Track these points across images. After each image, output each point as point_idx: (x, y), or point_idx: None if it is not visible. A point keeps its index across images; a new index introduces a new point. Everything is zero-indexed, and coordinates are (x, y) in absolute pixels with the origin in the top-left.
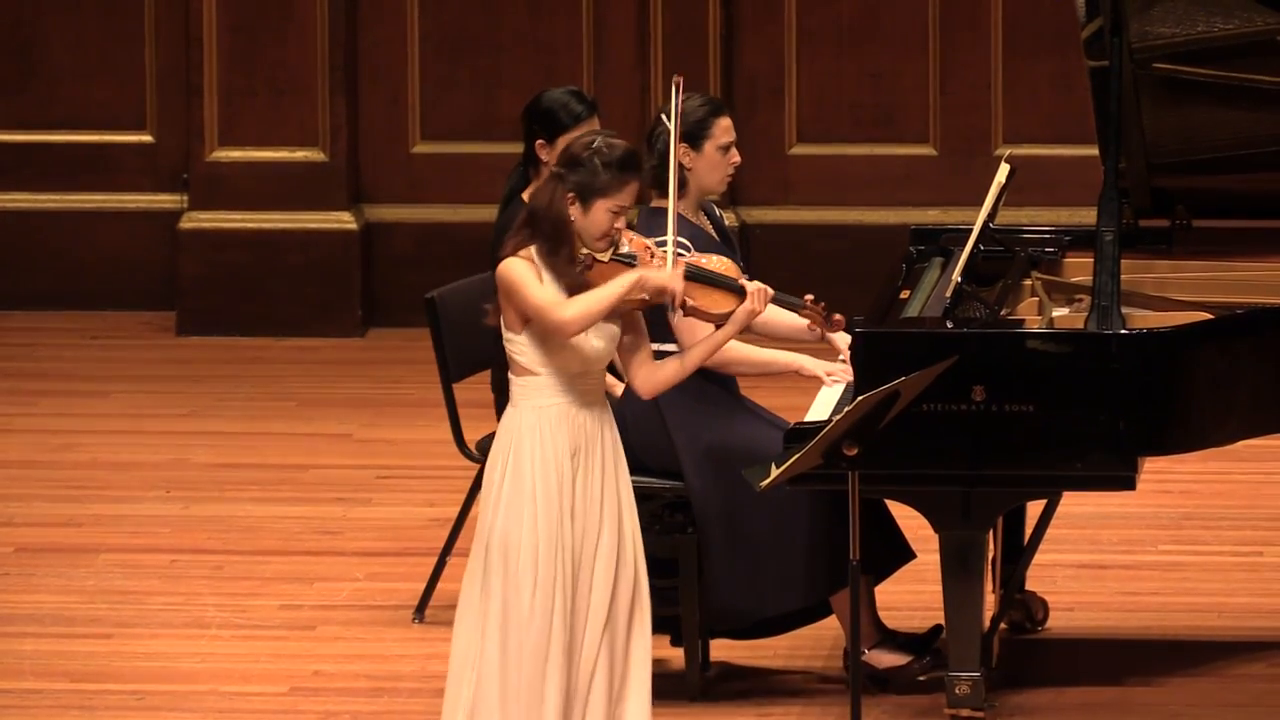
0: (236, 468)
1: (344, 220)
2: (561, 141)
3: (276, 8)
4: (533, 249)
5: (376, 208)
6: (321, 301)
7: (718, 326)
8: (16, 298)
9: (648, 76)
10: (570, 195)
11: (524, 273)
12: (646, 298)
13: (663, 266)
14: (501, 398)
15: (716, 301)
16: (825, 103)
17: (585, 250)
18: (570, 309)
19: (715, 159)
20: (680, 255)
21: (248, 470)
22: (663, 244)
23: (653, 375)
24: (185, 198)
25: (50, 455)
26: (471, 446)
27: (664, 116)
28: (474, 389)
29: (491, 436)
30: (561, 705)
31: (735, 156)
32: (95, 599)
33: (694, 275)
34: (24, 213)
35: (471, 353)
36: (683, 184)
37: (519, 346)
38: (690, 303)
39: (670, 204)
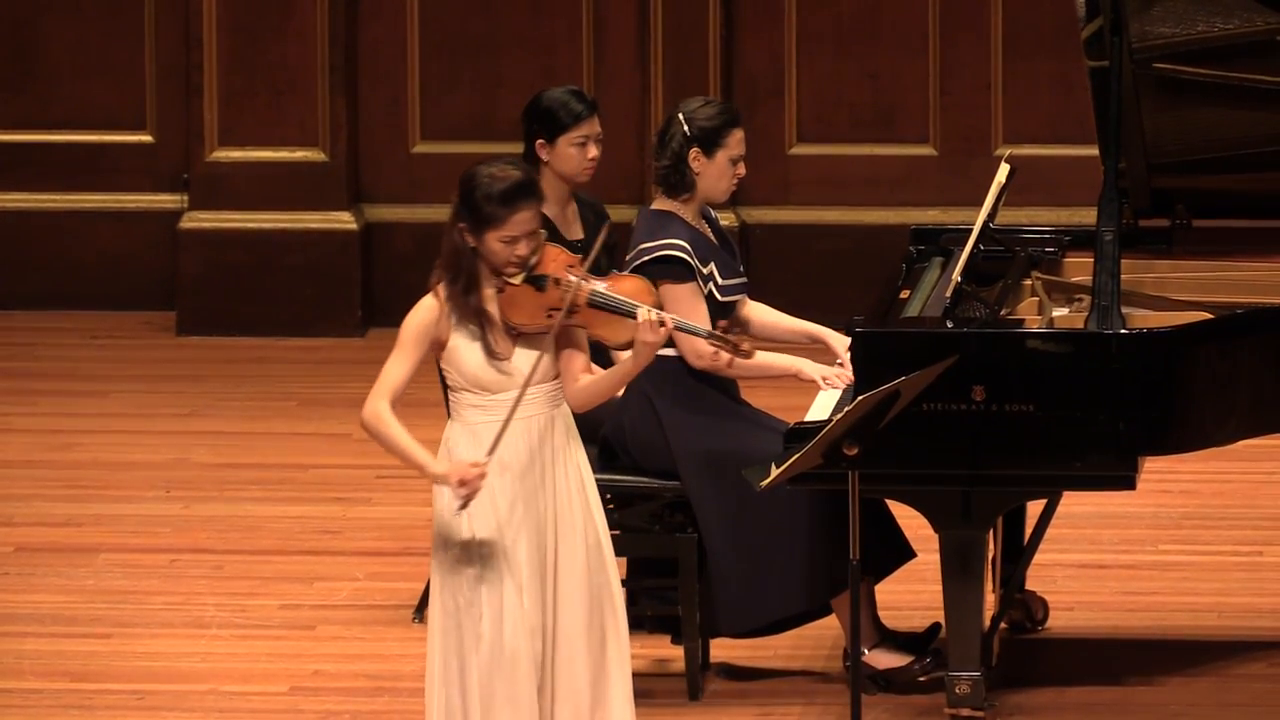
0: (236, 468)
1: (344, 220)
2: (561, 141)
3: (276, 8)
4: (443, 286)
5: (376, 208)
6: (321, 301)
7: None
8: (16, 298)
9: (648, 76)
10: (462, 227)
11: (405, 331)
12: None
13: (568, 290)
14: None
15: (614, 330)
16: (825, 103)
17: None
18: (372, 410)
19: (724, 168)
20: (587, 278)
21: (248, 470)
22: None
23: (581, 392)
24: (185, 198)
25: (50, 455)
26: None
27: (680, 116)
28: None
29: None
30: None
31: (742, 169)
32: (95, 599)
33: (596, 303)
34: (24, 213)
35: None
36: (689, 188)
37: (445, 368)
38: (591, 331)
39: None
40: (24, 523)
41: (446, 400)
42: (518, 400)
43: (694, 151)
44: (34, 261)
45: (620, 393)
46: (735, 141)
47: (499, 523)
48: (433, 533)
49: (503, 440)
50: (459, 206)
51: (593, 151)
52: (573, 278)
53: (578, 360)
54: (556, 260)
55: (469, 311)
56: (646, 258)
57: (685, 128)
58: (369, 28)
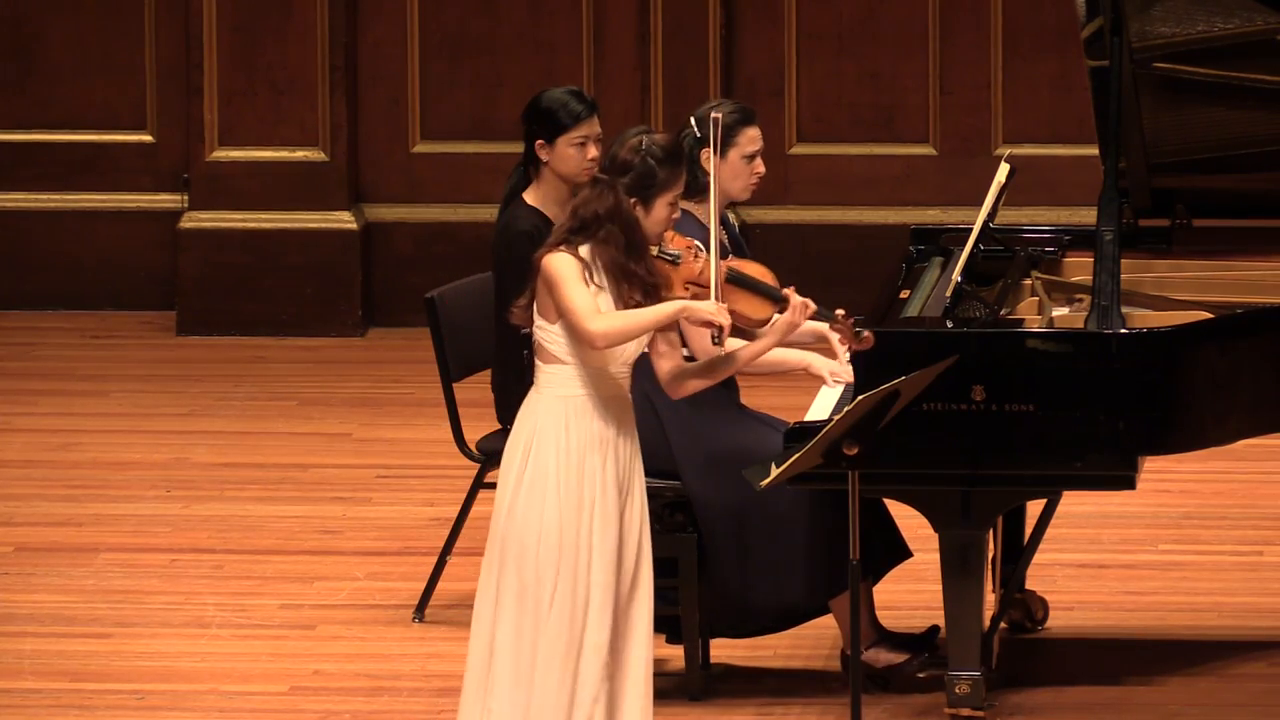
0: (236, 467)
1: (344, 220)
2: (561, 141)
3: (276, 8)
4: (586, 249)
5: (376, 208)
6: (321, 301)
7: (753, 335)
8: (16, 298)
9: (648, 76)
10: (633, 200)
11: (570, 270)
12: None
13: (705, 267)
14: (502, 397)
15: (755, 308)
16: (825, 103)
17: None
18: (603, 323)
19: (739, 166)
20: (721, 259)
21: (248, 470)
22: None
23: (682, 379)
24: (185, 198)
25: (50, 455)
26: (471, 446)
27: (692, 120)
28: (474, 389)
29: (492, 436)
30: (590, 702)
31: (760, 166)
32: (95, 599)
33: (735, 279)
34: (24, 213)
35: (471, 353)
36: (702, 189)
37: (551, 335)
38: (730, 307)
39: (712, 211)
40: (24, 523)
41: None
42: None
43: (705, 152)
44: (34, 261)
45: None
46: (748, 139)
47: (588, 503)
48: (496, 530)
49: (599, 417)
50: (627, 176)
51: (592, 152)
52: (704, 255)
53: (676, 347)
54: (679, 240)
55: (648, 281)
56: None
57: (696, 130)
58: (369, 28)
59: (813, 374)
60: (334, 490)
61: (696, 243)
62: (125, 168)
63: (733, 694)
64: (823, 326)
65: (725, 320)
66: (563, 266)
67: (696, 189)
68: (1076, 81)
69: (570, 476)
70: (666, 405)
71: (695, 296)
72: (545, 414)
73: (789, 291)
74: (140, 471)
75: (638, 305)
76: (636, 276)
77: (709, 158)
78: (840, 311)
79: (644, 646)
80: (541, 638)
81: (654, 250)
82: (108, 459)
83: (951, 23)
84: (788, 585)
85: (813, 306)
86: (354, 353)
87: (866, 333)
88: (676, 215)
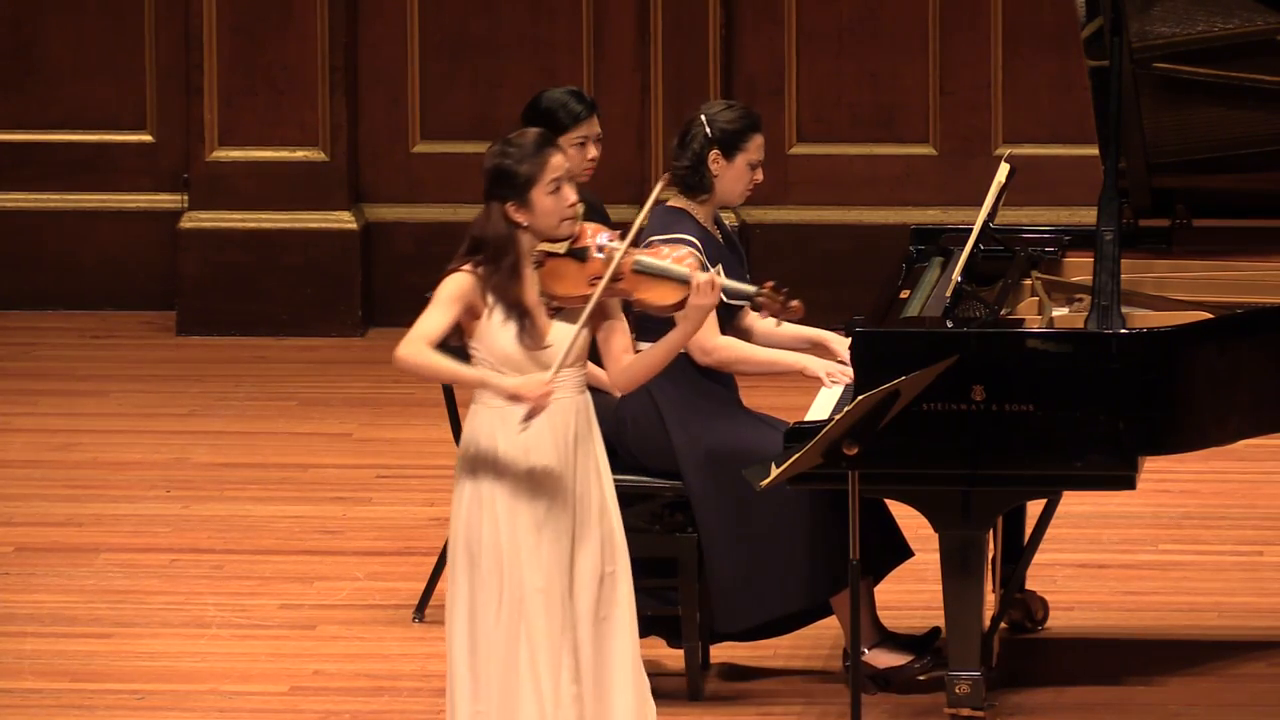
0: (236, 468)
1: (344, 220)
2: (560, 142)
3: (276, 8)
4: (482, 270)
5: (376, 208)
6: (321, 301)
7: (673, 320)
8: (16, 298)
9: (648, 76)
10: (508, 206)
11: (443, 291)
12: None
13: (612, 256)
14: None
15: (663, 294)
16: (825, 103)
17: (540, 248)
18: (407, 351)
19: (742, 172)
20: (630, 248)
21: (248, 470)
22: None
23: (625, 371)
24: (185, 198)
25: (50, 455)
26: None
27: (703, 118)
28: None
29: None
30: (540, 708)
31: (759, 175)
32: (95, 599)
33: (640, 269)
34: (24, 213)
35: None
36: (707, 189)
37: (473, 345)
38: (636, 296)
39: (632, 231)
40: (24, 523)
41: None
42: (558, 368)
43: (714, 153)
44: (34, 261)
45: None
46: (755, 147)
47: (524, 511)
48: (451, 530)
49: (537, 424)
50: (493, 188)
51: (592, 152)
52: (616, 244)
53: (620, 338)
54: (595, 231)
55: (511, 300)
56: None
57: (707, 129)
58: (369, 28)
59: (808, 375)
60: (334, 490)
61: (607, 241)
62: (125, 168)
63: (733, 694)
64: (813, 333)
65: (535, 401)
66: (443, 287)
67: (700, 189)
68: (1076, 81)
69: (502, 484)
70: (668, 402)
71: (600, 289)
72: (480, 423)
73: (694, 273)
74: (140, 471)
75: (519, 327)
76: (511, 296)
77: (717, 158)
78: (769, 284)
79: (625, 650)
80: (484, 643)
81: (560, 248)
82: (108, 459)
83: (951, 23)
84: (788, 585)
85: (721, 283)
86: (354, 353)
87: (795, 302)
88: (569, 196)
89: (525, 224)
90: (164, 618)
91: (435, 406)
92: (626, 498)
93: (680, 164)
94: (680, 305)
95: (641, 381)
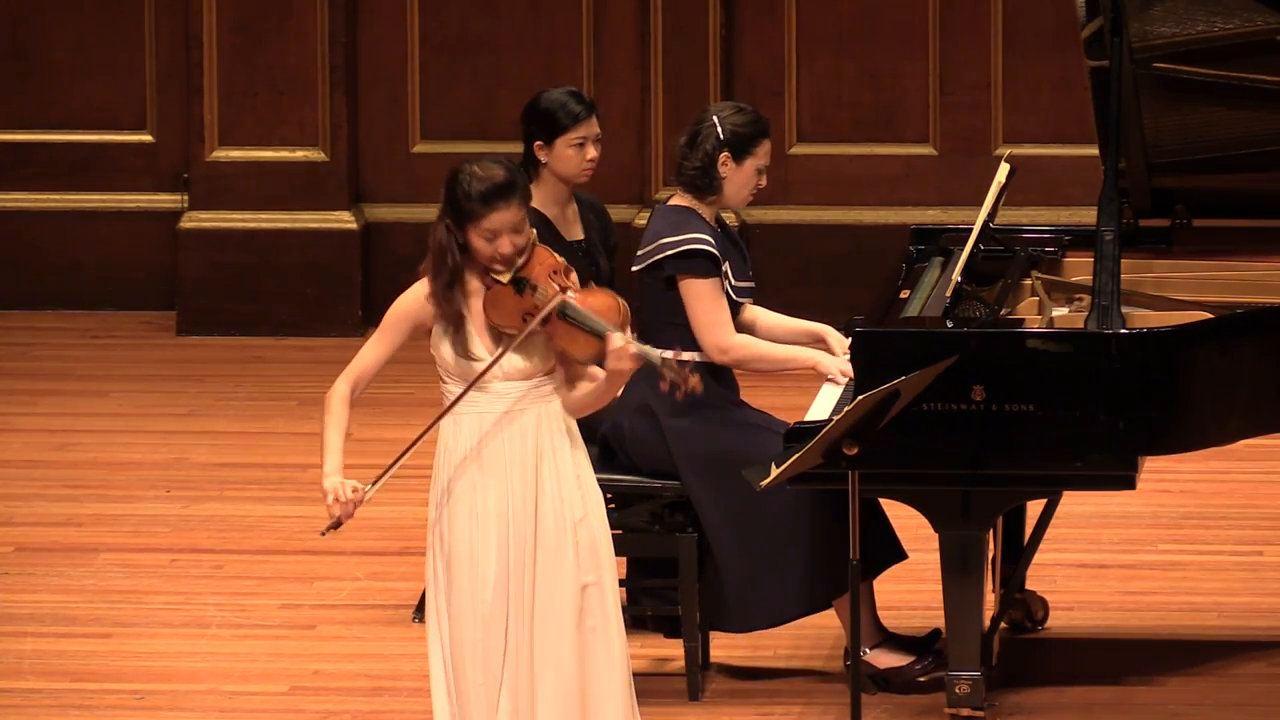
0: (236, 468)
1: (344, 220)
2: (559, 142)
3: (276, 8)
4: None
5: (376, 208)
6: (321, 301)
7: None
8: (16, 298)
9: (648, 76)
10: (447, 223)
11: (389, 314)
12: None
13: (544, 299)
14: None
15: (580, 346)
16: (825, 103)
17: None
18: (333, 390)
19: (749, 176)
20: (568, 288)
21: (248, 470)
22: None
23: (572, 400)
24: (185, 198)
25: (50, 455)
26: None
27: (715, 119)
28: None
29: None
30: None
31: (763, 180)
32: (95, 598)
33: (567, 316)
34: (24, 213)
35: None
36: (715, 190)
37: (432, 350)
38: (556, 344)
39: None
40: (24, 523)
41: None
42: (458, 398)
43: (724, 155)
44: (34, 261)
45: (619, 393)
46: (764, 152)
47: (476, 515)
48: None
49: (493, 436)
50: (444, 202)
51: (591, 152)
52: (555, 286)
53: (570, 368)
54: (544, 264)
55: (447, 309)
56: (670, 252)
57: (719, 131)
58: (369, 28)
59: (820, 371)
60: None
61: (557, 271)
62: (125, 168)
63: (733, 694)
64: (815, 327)
65: (330, 509)
66: (390, 310)
67: (709, 190)
68: (1076, 81)
69: (453, 491)
70: (665, 410)
71: (525, 332)
72: (443, 430)
73: (612, 336)
74: (140, 471)
75: (453, 337)
76: (444, 306)
77: (726, 160)
78: (675, 356)
79: (616, 659)
80: (462, 656)
81: (504, 276)
82: (107, 459)
83: (951, 23)
84: (791, 587)
85: (634, 349)
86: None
87: (695, 377)
88: (503, 248)
89: (463, 245)
90: (164, 618)
91: (435, 407)
92: (626, 498)
93: (690, 164)
94: (590, 359)
95: (586, 412)
